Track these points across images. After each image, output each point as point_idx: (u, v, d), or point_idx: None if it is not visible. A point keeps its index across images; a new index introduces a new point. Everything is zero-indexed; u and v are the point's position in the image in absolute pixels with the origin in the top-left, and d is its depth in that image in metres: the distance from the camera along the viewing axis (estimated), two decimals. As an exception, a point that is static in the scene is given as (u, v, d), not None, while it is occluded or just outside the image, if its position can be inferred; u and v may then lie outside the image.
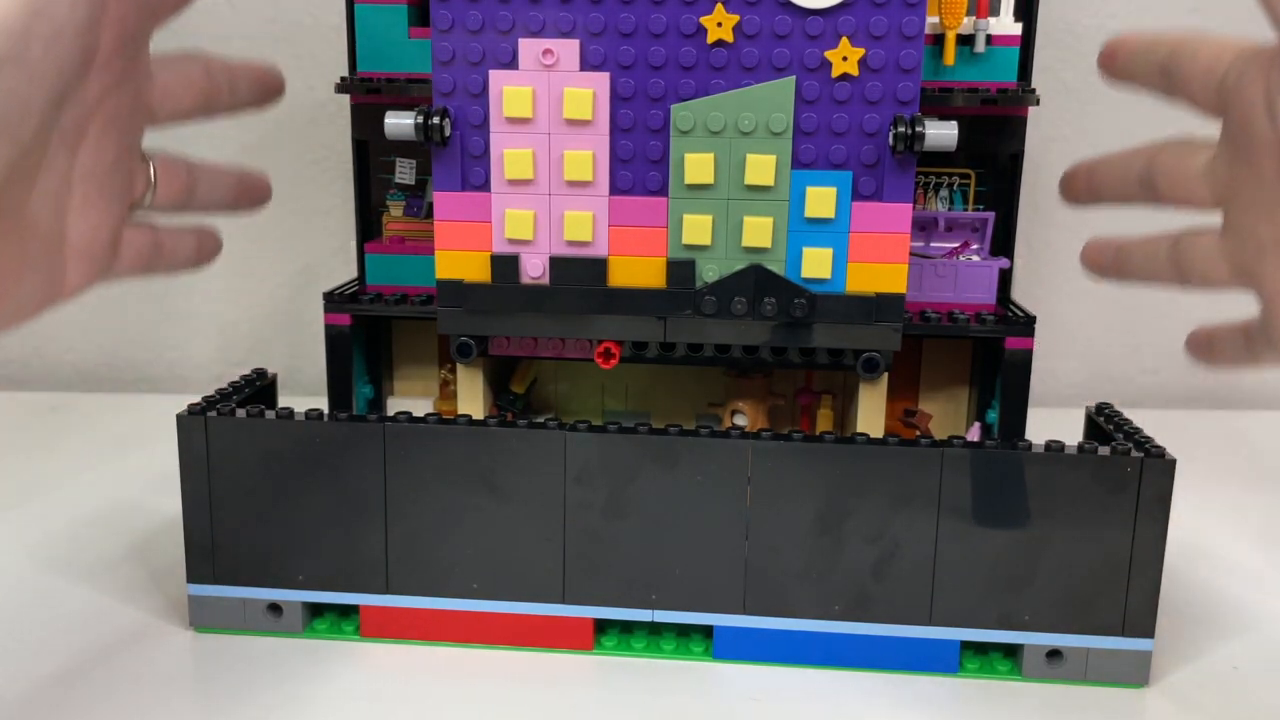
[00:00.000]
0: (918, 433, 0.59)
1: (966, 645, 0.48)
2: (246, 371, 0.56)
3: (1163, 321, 0.82)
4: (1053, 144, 0.80)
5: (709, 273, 0.48)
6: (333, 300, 0.58)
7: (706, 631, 0.49)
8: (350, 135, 0.59)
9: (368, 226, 0.62)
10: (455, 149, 0.48)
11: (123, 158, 0.39)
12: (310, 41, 0.80)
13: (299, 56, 0.80)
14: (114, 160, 0.38)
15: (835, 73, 0.46)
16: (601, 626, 0.49)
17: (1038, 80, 0.57)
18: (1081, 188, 0.44)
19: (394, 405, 0.65)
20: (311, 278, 0.84)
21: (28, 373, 0.88)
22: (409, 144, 0.49)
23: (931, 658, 0.47)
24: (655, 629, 0.50)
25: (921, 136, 0.45)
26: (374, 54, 0.57)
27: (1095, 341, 0.84)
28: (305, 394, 0.62)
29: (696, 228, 0.47)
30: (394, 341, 0.65)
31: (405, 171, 0.62)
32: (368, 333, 0.62)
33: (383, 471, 0.47)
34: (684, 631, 0.49)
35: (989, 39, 0.54)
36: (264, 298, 0.86)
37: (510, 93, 0.47)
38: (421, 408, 0.58)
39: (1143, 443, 0.47)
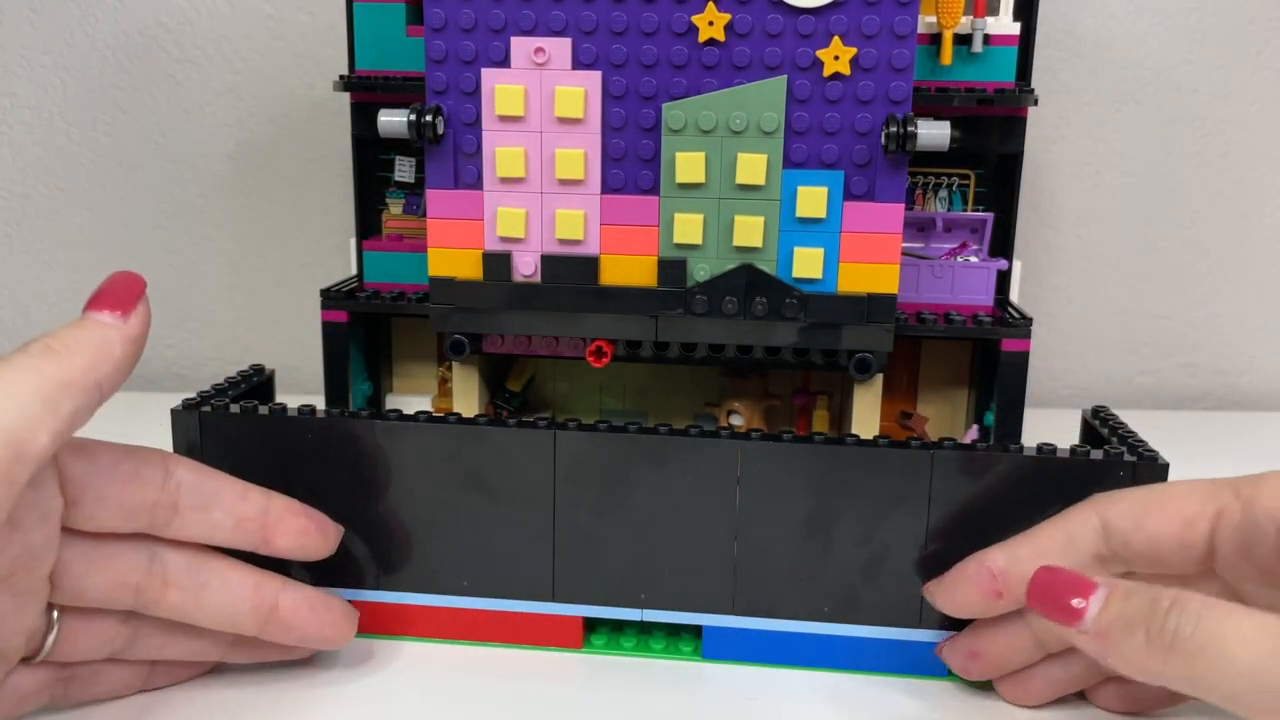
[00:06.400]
0: (912, 434, 0.59)
1: (957, 648, 0.48)
2: (244, 368, 0.56)
3: (1162, 322, 0.81)
4: (1053, 144, 0.80)
5: (700, 272, 0.48)
6: (330, 297, 0.58)
7: (696, 631, 0.49)
8: (350, 133, 0.60)
9: (367, 224, 0.62)
10: (448, 147, 0.48)
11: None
12: (309, 40, 0.80)
13: (298, 55, 0.80)
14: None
15: (827, 72, 0.46)
16: (591, 625, 0.49)
17: (1037, 80, 0.57)
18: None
19: (392, 402, 0.65)
20: (310, 275, 0.85)
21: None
22: (408, 142, 0.49)
23: (921, 660, 0.47)
24: (645, 628, 0.50)
25: (914, 136, 0.45)
26: (373, 52, 0.58)
27: (1094, 343, 0.83)
28: (304, 391, 0.62)
29: (688, 227, 0.47)
30: (394, 339, 0.65)
31: (404, 169, 0.62)
32: (366, 330, 0.62)
33: (374, 468, 0.47)
34: (674, 631, 0.49)
35: (987, 39, 0.54)
36: (263, 295, 0.86)
37: (502, 91, 0.47)
38: (420, 405, 0.58)
39: (1135, 446, 0.46)
